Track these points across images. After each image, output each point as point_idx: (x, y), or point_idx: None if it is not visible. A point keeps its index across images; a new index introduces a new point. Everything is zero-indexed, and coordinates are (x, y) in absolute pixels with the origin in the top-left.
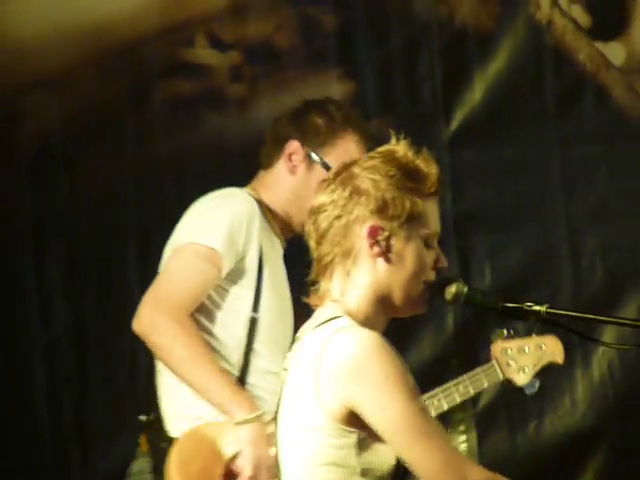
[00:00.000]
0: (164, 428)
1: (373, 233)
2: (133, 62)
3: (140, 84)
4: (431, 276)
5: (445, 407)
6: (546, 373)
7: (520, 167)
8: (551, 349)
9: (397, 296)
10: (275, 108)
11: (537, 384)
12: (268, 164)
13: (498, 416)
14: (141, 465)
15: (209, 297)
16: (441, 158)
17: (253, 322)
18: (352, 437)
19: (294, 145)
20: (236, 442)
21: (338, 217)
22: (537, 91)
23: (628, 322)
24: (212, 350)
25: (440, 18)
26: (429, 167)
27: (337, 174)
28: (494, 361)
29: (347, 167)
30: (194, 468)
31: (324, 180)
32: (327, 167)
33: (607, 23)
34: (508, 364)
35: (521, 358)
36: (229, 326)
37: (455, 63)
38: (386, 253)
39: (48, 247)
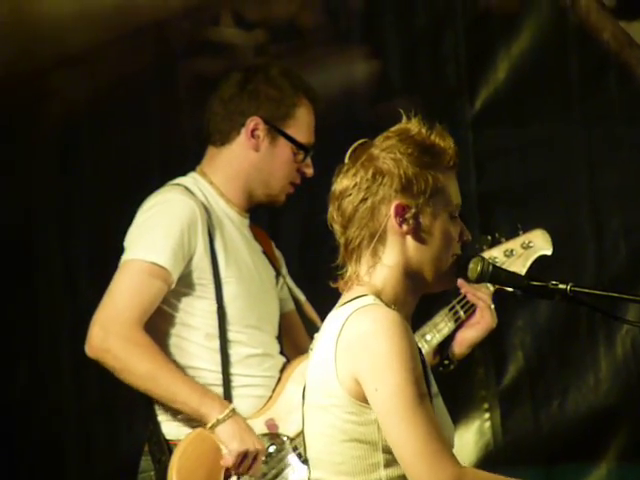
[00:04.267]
0: (160, 431)
1: (401, 211)
2: (157, 40)
3: (165, 63)
4: (458, 249)
5: (435, 342)
6: (569, 345)
7: (544, 146)
8: (540, 243)
9: (427, 272)
10: None
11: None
12: (222, 141)
13: (521, 394)
14: (146, 463)
15: (169, 304)
16: (465, 137)
17: (220, 314)
18: (371, 413)
19: (255, 121)
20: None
21: (363, 200)
22: (561, 70)
23: None
24: (184, 355)
25: None
26: (445, 141)
27: (356, 158)
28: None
29: (364, 149)
30: (198, 474)
31: (341, 164)
32: (292, 140)
33: (631, 2)
34: None
35: (508, 262)
36: (196, 326)
37: (479, 42)
38: (415, 230)
39: (75, 226)
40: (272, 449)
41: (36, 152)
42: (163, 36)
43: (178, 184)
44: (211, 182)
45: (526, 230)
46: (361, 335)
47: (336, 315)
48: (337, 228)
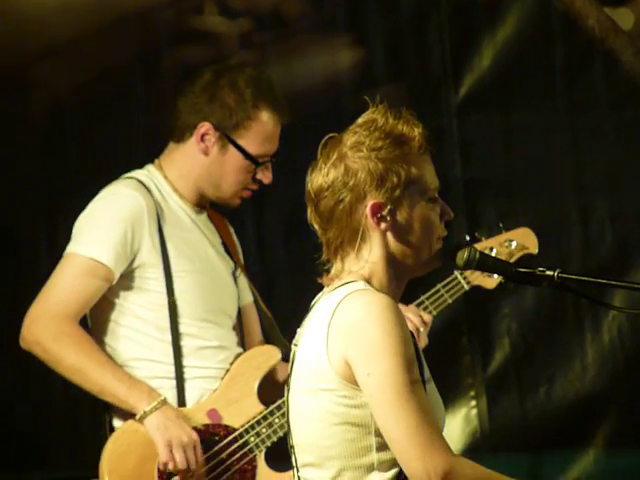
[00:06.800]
0: (113, 428)
1: (377, 210)
2: (142, 30)
3: (149, 52)
4: (442, 231)
5: None
6: (556, 332)
7: (529, 133)
8: (522, 242)
9: (411, 261)
10: (284, 75)
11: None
12: (178, 139)
13: (508, 381)
14: None
15: (120, 297)
16: (450, 124)
17: (171, 307)
18: (365, 396)
19: (206, 127)
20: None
21: (339, 201)
22: (546, 57)
23: (638, 286)
24: (137, 347)
25: None
26: (412, 129)
27: (327, 155)
28: (456, 272)
29: (334, 146)
30: (128, 464)
31: (314, 161)
32: (242, 150)
33: None
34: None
35: None
36: (148, 319)
37: (464, 29)
38: (394, 226)
39: (61, 215)
40: (215, 438)
41: (21, 145)
42: (147, 26)
43: (132, 177)
44: (165, 176)
45: (508, 227)
46: (354, 319)
47: (327, 299)
48: (317, 228)
